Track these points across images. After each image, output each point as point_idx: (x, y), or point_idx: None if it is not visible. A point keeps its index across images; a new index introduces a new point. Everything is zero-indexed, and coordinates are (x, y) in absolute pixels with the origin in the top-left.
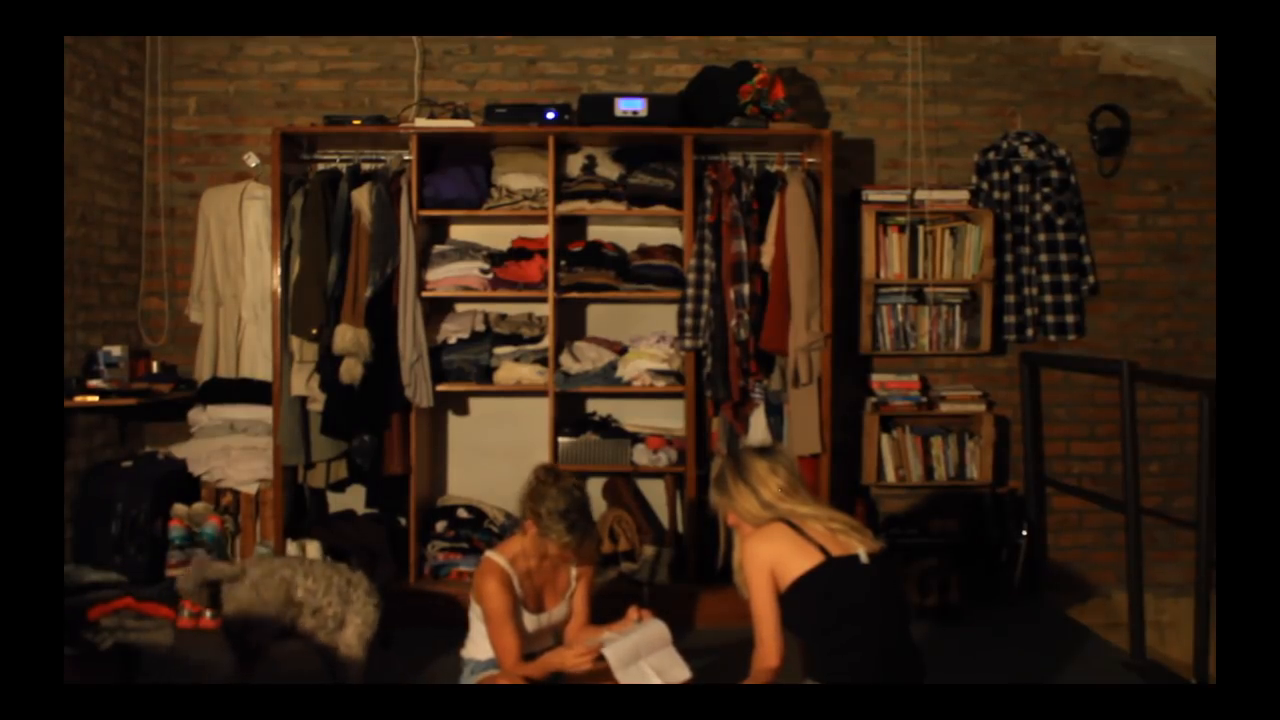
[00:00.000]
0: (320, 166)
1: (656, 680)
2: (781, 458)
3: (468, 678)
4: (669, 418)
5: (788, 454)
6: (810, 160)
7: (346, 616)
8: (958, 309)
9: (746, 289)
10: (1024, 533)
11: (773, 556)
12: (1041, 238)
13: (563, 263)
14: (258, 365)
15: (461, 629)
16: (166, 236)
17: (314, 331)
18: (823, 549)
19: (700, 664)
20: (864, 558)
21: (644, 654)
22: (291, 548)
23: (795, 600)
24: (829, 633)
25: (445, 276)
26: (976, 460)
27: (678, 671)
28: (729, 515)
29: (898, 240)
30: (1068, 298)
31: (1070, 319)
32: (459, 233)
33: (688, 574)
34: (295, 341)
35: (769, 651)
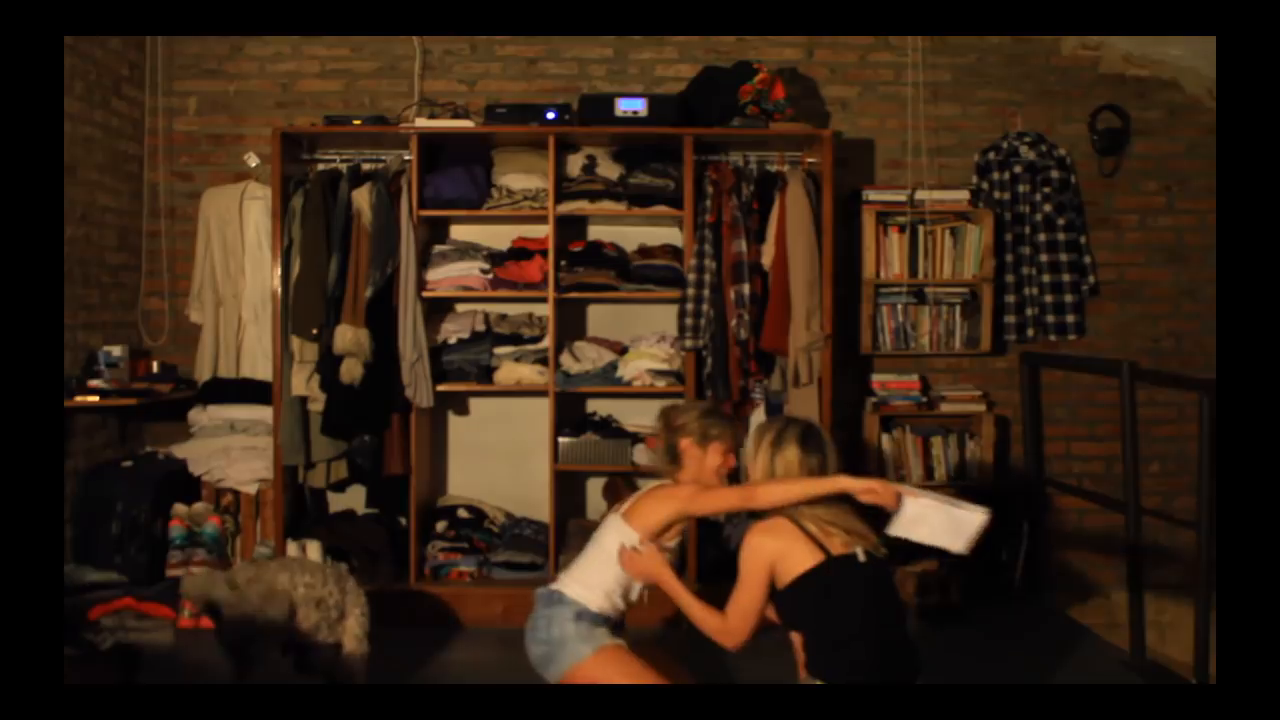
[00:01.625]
0: (320, 166)
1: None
2: (816, 455)
3: (570, 619)
4: None
5: (832, 456)
6: (810, 160)
7: (347, 606)
8: (958, 309)
9: (746, 289)
10: (1024, 533)
11: (775, 554)
12: (1042, 238)
13: (563, 263)
14: (258, 365)
15: (461, 629)
16: (166, 236)
17: (314, 331)
18: (823, 547)
19: (700, 664)
20: (861, 556)
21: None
22: (291, 548)
23: (796, 597)
24: (829, 629)
25: (445, 276)
26: (976, 460)
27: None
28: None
29: (898, 240)
30: (1068, 298)
31: (1070, 319)
32: (459, 233)
33: (688, 574)
34: (295, 341)
35: (734, 636)
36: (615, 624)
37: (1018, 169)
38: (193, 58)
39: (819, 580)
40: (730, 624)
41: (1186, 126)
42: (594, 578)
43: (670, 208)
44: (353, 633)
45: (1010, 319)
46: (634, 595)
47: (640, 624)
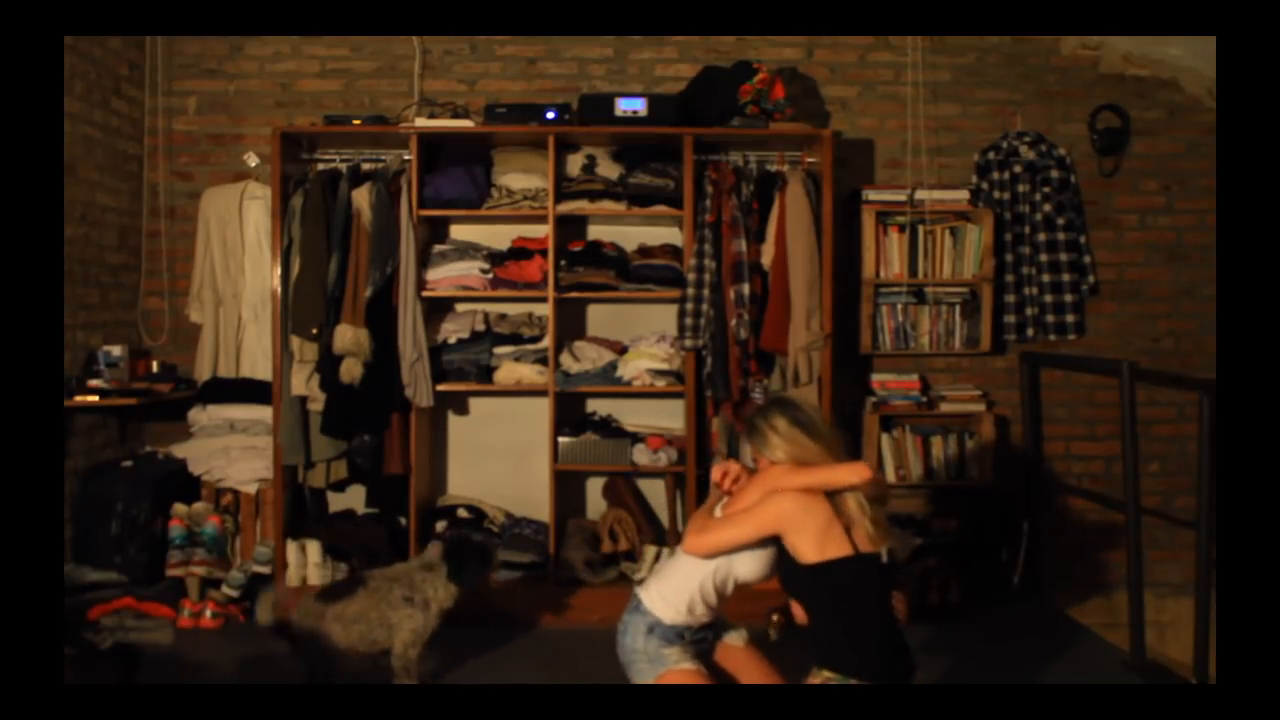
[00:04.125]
0: (320, 166)
1: None
2: (790, 415)
3: (643, 632)
4: (669, 418)
5: (784, 419)
6: (810, 160)
7: (392, 636)
8: (958, 309)
9: (746, 289)
10: (1024, 532)
11: (794, 525)
12: (1041, 237)
13: (563, 262)
14: (258, 365)
15: (460, 629)
16: (166, 236)
17: (314, 331)
18: (852, 541)
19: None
20: (884, 556)
21: None
22: (292, 547)
23: (819, 580)
24: (845, 622)
25: (445, 276)
26: (976, 460)
27: None
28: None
29: (898, 240)
30: (1068, 297)
31: (1070, 319)
32: (459, 232)
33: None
34: (295, 341)
35: (698, 550)
36: (700, 630)
37: (1017, 169)
38: (193, 57)
39: (845, 572)
40: (704, 541)
41: (1186, 126)
42: (672, 587)
43: (670, 207)
44: (395, 651)
45: (1010, 319)
46: (728, 591)
47: (744, 620)
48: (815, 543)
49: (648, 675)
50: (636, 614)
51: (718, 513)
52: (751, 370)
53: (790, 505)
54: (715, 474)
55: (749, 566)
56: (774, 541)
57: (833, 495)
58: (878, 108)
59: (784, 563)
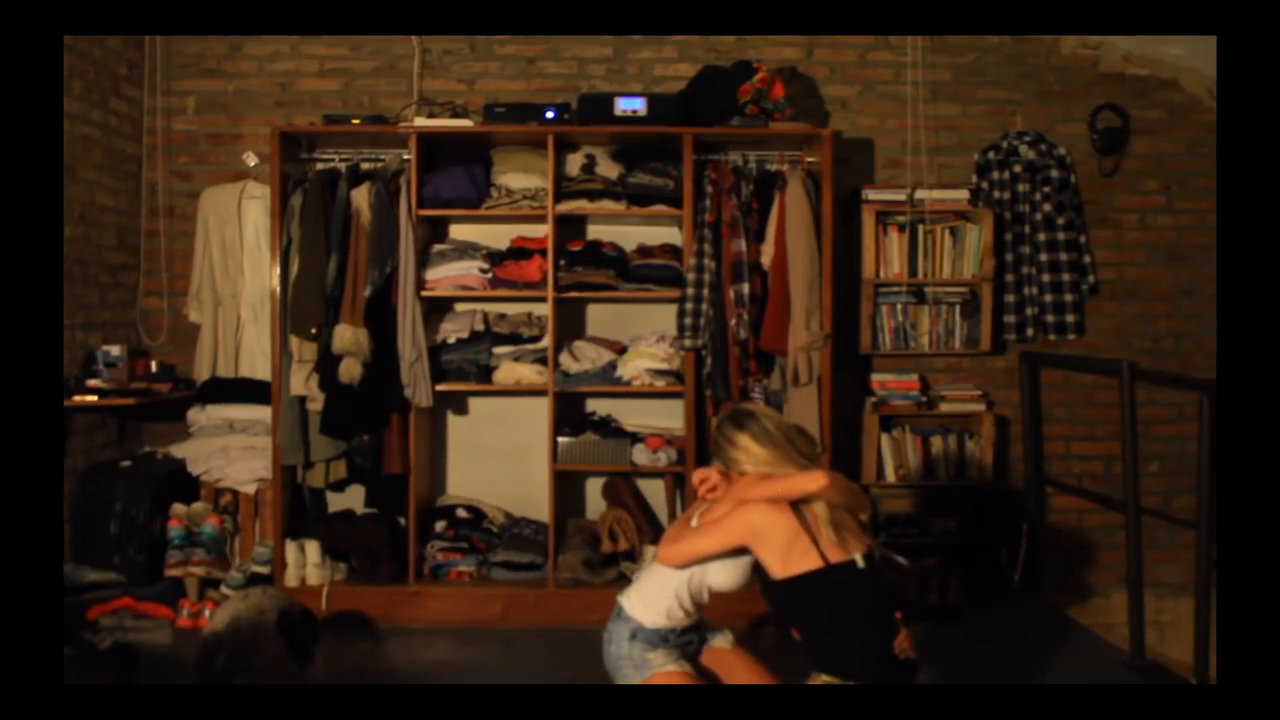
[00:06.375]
0: (319, 166)
1: None
2: (749, 430)
3: (626, 638)
4: (669, 418)
5: (754, 426)
6: (810, 160)
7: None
8: (958, 309)
9: (746, 288)
10: (1024, 533)
11: (761, 536)
12: (1041, 237)
13: (562, 262)
14: (257, 365)
15: (460, 629)
16: (166, 236)
17: (313, 331)
18: (821, 552)
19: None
20: (860, 561)
21: None
22: (291, 548)
23: (793, 595)
24: (831, 631)
25: (444, 276)
26: (976, 460)
27: None
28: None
29: (897, 240)
30: (1068, 297)
31: (1070, 319)
32: (458, 232)
33: None
34: (294, 341)
35: (669, 560)
36: (684, 634)
37: (1017, 168)
38: (192, 57)
39: (816, 586)
40: (675, 551)
41: (1186, 126)
42: (650, 592)
43: (669, 207)
44: None
45: (1010, 319)
46: (704, 599)
47: (726, 621)
48: (779, 558)
49: (634, 680)
50: (619, 620)
51: (695, 522)
52: (751, 370)
53: (756, 518)
54: (695, 481)
55: (722, 576)
56: (747, 552)
57: (799, 505)
58: (877, 107)
59: (761, 576)
